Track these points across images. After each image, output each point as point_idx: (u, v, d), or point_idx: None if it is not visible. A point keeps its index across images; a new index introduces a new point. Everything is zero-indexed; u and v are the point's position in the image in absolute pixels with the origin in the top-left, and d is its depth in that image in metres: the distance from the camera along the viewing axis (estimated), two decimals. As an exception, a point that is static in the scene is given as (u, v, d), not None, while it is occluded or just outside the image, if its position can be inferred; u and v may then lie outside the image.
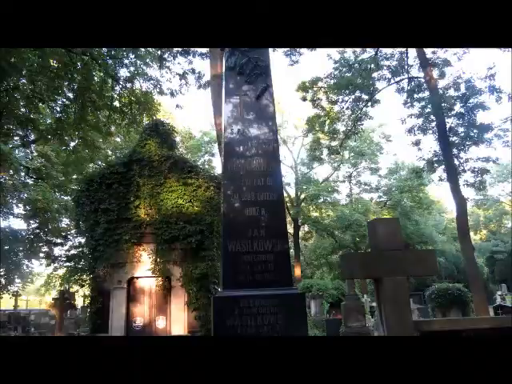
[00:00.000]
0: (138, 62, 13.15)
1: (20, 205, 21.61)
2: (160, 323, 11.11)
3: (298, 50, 14.79)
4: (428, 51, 14.17)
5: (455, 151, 14.27)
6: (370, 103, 15.12)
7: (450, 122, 13.81)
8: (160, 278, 11.22)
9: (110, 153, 22.98)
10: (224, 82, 3.62)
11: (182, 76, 13.67)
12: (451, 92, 13.95)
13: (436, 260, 3.66)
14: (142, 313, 11.17)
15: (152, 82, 13.85)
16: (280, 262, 2.98)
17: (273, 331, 2.76)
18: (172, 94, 13.96)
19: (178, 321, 11.05)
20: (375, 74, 15.68)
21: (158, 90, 14.07)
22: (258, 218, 3.03)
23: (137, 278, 11.33)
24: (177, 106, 14.16)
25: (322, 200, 30.11)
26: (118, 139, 22.78)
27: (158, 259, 11.22)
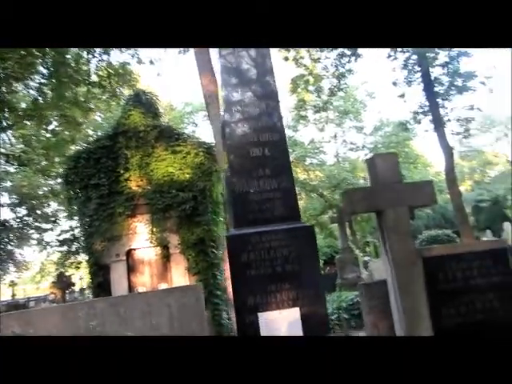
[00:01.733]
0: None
1: (5, 193, 21.27)
2: (162, 290, 11.29)
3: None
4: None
5: (440, 101, 14.36)
6: (353, 57, 15.00)
7: (435, 71, 13.81)
8: (158, 247, 11.31)
9: (90, 132, 22.59)
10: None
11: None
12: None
13: (433, 189, 3.79)
14: (143, 282, 11.31)
15: (129, 52, 13.50)
16: (287, 197, 3.07)
17: (286, 262, 2.87)
18: (151, 62, 13.65)
19: (180, 287, 11.24)
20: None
21: (136, 59, 13.73)
22: (262, 158, 3.09)
23: (134, 249, 11.41)
24: (158, 74, 13.91)
25: (309, 162, 30.26)
26: (98, 117, 22.39)
27: (154, 229, 11.28)
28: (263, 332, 2.79)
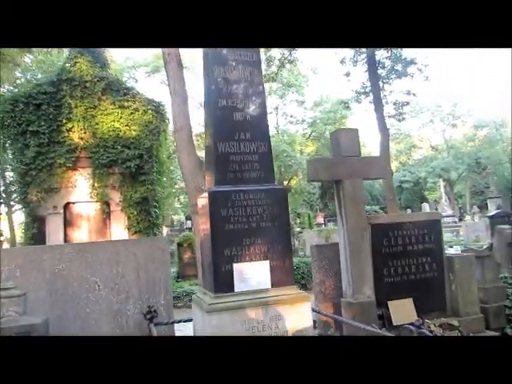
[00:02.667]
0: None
1: None
2: (101, 247, 11.16)
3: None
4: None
5: (381, 84, 15.17)
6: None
7: (380, 54, 14.52)
8: (98, 203, 11.09)
9: (18, 75, 20.84)
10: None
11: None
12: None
13: (387, 164, 4.26)
14: (80, 237, 11.09)
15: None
16: (264, 161, 3.32)
17: (261, 219, 3.16)
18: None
19: (119, 244, 11.18)
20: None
21: None
22: (243, 123, 3.30)
23: (73, 203, 11.09)
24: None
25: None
26: (28, 59, 20.65)
27: (96, 184, 11.01)
28: (236, 279, 3.09)
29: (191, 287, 11.05)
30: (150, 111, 11.33)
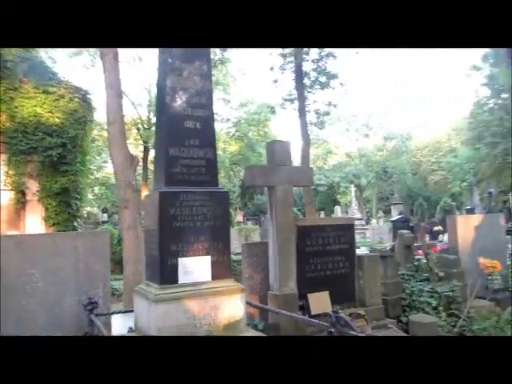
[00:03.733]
0: None
1: None
2: (13, 237, 10.56)
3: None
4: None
5: (306, 93, 16.15)
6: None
7: (307, 66, 15.46)
8: (13, 192, 10.50)
9: None
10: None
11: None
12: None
13: (313, 174, 4.84)
14: (-12, 228, 10.41)
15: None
16: (209, 166, 3.66)
17: (205, 219, 3.52)
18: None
19: (34, 236, 10.67)
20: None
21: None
22: (193, 130, 3.62)
23: (-17, 190, 10.38)
24: None
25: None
26: None
27: (11, 171, 10.41)
28: (180, 272, 3.41)
29: (112, 282, 10.93)
30: (76, 99, 10.94)
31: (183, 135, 3.56)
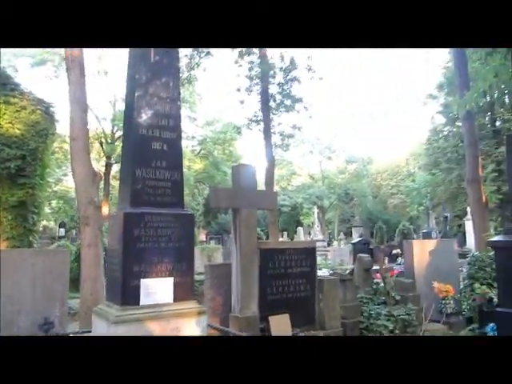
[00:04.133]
0: None
1: None
2: (-37, 253, 10.04)
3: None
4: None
5: (271, 115, 16.49)
6: (206, 55, 15.96)
7: (272, 89, 15.83)
8: (-36, 204, 10.04)
9: None
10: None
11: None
12: (277, 63, 15.91)
13: (276, 198, 4.96)
14: None
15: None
16: (175, 188, 3.70)
17: (169, 240, 3.53)
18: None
19: (-14, 251, 10.20)
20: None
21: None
22: (161, 152, 3.66)
23: None
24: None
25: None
26: None
27: (-37, 182, 9.98)
28: (142, 294, 3.38)
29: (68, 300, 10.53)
30: (38, 111, 10.71)
31: (150, 156, 3.59)
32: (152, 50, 3.68)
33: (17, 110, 10.45)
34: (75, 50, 7.56)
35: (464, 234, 21.19)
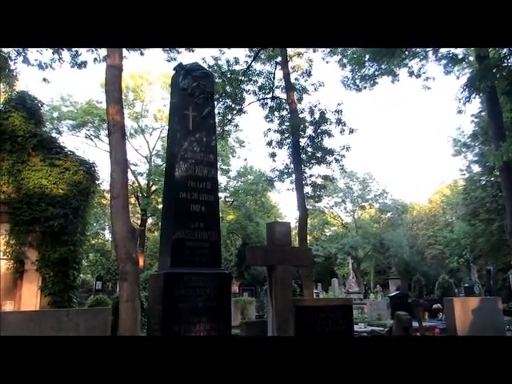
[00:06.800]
0: None
1: None
2: (7, 308, 10.42)
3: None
4: (292, 77, 16.43)
5: (303, 167, 16.75)
6: (239, 112, 16.69)
7: (303, 141, 16.21)
8: (11, 261, 10.52)
9: None
10: (174, 99, 4.32)
11: (56, 50, 12.85)
12: (307, 117, 16.39)
13: (312, 255, 5.00)
14: (-17, 297, 10.29)
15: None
16: (213, 248, 3.85)
17: (207, 300, 3.64)
18: (41, 67, 12.99)
19: (28, 306, 10.52)
20: (245, 86, 17.37)
21: (22, 57, 12.92)
22: (199, 213, 3.85)
23: (-19, 258, 10.41)
24: (44, 79, 13.08)
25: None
26: None
27: (12, 241, 10.52)
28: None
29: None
30: (81, 171, 11.37)
31: (189, 218, 3.78)
32: (190, 118, 3.97)
33: (61, 172, 11.14)
34: (117, 117, 8.14)
35: (509, 288, 20.02)
